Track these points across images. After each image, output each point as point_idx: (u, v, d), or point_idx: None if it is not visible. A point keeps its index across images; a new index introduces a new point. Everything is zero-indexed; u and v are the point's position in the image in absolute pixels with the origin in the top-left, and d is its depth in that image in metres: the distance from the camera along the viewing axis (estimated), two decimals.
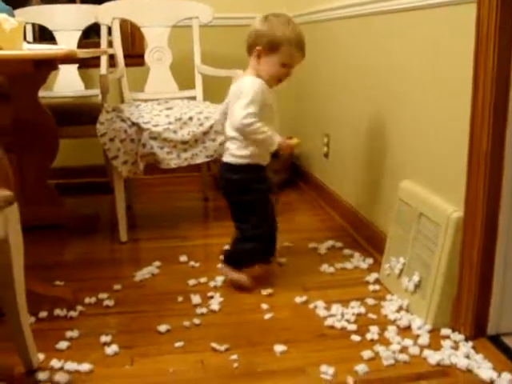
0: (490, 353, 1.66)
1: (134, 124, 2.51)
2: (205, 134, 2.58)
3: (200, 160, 2.61)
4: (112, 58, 3.07)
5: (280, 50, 1.97)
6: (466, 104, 1.67)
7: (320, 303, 1.97)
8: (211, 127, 2.58)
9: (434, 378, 1.56)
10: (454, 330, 1.77)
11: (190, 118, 2.58)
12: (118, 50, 3.00)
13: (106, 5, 2.99)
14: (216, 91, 2.98)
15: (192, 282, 2.16)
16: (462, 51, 1.70)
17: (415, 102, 2.05)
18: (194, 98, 3.04)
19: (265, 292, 2.08)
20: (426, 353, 1.66)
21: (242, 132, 1.99)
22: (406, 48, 2.11)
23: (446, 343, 1.70)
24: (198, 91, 3.07)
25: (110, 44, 3.08)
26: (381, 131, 2.36)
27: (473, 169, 1.67)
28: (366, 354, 1.65)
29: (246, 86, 1.99)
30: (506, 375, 1.53)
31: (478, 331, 1.75)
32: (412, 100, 2.07)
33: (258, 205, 2.10)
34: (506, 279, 1.73)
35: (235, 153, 2.05)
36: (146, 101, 2.93)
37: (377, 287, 2.09)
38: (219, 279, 2.18)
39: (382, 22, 2.31)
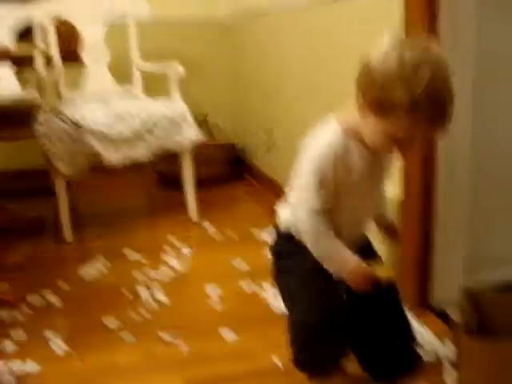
0: (432, 323, 1.71)
1: (73, 123, 2.48)
2: (145, 129, 2.57)
3: (141, 155, 2.60)
4: (48, 59, 3.02)
5: (392, 115, 1.09)
6: None
7: (268, 287, 2.00)
8: (151, 122, 2.58)
9: None
10: None
11: (130, 114, 2.57)
12: (54, 50, 2.96)
13: (39, 4, 2.95)
14: (155, 86, 3.00)
15: (138, 275, 2.16)
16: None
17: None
18: (133, 95, 3.02)
19: (212, 280, 2.09)
20: None
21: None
22: (346, 40, 2.14)
23: None
24: (137, 87, 3.05)
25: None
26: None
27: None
28: None
29: (312, 148, 1.23)
30: (448, 343, 1.59)
31: (421, 303, 1.80)
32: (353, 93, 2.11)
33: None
34: (444, 257, 1.79)
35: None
36: (84, 99, 2.89)
37: None
38: (165, 271, 2.19)
39: (320, 15, 2.35)
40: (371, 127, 1.14)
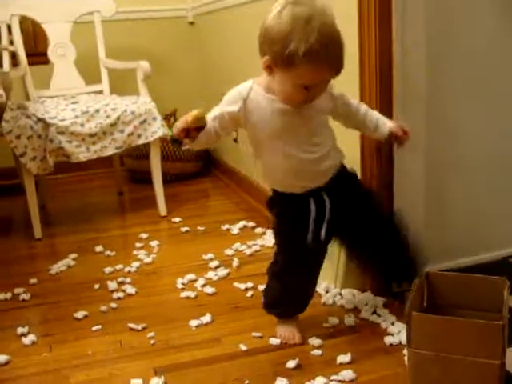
0: (394, 308, 1.77)
1: (39, 120, 2.50)
2: (112, 125, 2.60)
3: (110, 152, 2.63)
4: (14, 57, 3.03)
5: (295, 67, 1.30)
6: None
7: (236, 278, 2.06)
8: (118, 119, 2.60)
9: (346, 335, 1.66)
10: (361, 291, 1.87)
11: (97, 111, 2.59)
12: (20, 48, 2.97)
13: (3, 1, 2.95)
14: (122, 84, 3.03)
15: (108, 269, 2.19)
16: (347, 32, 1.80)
17: None
18: (101, 92, 3.04)
19: (181, 273, 2.13)
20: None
21: None
22: None
23: (354, 300, 1.82)
24: (105, 85, 3.07)
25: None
26: None
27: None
28: None
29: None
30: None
31: (383, 289, 1.85)
32: None
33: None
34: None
35: None
36: (52, 97, 2.91)
37: None
38: (135, 264, 2.22)
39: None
40: (280, 81, 1.36)
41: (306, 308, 1.69)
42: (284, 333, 1.66)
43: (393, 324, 1.68)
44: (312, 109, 1.44)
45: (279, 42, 1.29)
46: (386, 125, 1.61)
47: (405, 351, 1.48)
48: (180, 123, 1.41)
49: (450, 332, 1.20)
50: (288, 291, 1.63)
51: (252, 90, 1.45)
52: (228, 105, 1.47)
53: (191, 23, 3.74)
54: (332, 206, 1.52)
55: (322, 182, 1.54)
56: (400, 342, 1.57)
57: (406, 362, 1.37)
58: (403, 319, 1.58)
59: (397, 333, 1.62)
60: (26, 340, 1.72)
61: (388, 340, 1.59)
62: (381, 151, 1.75)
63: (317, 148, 1.50)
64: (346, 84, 1.61)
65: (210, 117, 1.47)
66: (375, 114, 1.62)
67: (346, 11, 1.77)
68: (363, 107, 1.61)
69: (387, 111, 1.70)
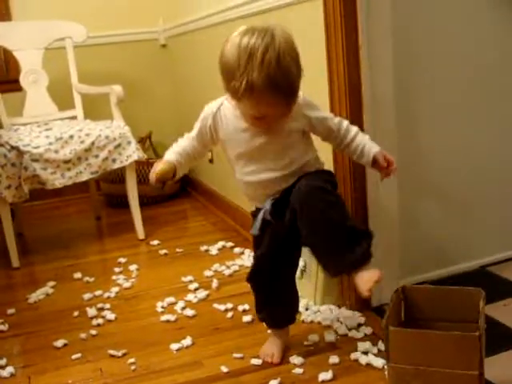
0: (374, 321, 1.78)
1: (13, 148, 2.48)
2: (87, 151, 2.59)
3: (85, 177, 2.62)
4: None
5: (240, 100, 1.34)
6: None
7: (216, 299, 2.06)
8: (93, 144, 2.60)
9: (326, 352, 1.66)
10: (340, 307, 1.88)
11: (71, 137, 2.59)
12: None
13: None
14: (96, 109, 3.02)
15: (87, 296, 2.17)
16: (315, 40, 1.83)
17: None
18: (74, 118, 3.04)
19: (160, 296, 2.12)
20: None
21: None
22: None
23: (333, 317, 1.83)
24: (78, 110, 3.06)
25: None
26: None
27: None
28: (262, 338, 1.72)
29: None
30: None
31: (363, 305, 1.87)
32: None
33: None
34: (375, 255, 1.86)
35: None
36: (25, 125, 2.90)
37: None
38: (114, 290, 2.21)
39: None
40: (239, 108, 1.39)
41: (290, 320, 1.69)
42: (265, 349, 1.66)
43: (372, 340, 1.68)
44: (278, 128, 1.43)
45: (225, 75, 1.33)
46: (371, 151, 1.51)
47: (385, 366, 1.49)
48: (151, 180, 1.48)
49: (428, 345, 1.21)
50: (259, 295, 1.66)
51: (222, 106, 1.48)
52: (201, 121, 1.52)
53: (163, 46, 3.75)
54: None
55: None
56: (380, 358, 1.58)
57: (387, 377, 1.38)
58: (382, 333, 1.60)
59: (377, 349, 1.63)
60: (4, 372, 1.70)
61: (369, 356, 1.60)
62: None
63: (287, 166, 1.48)
64: (316, 94, 1.63)
65: (190, 135, 1.55)
66: (363, 140, 1.53)
67: (312, 20, 1.81)
68: (352, 133, 1.53)
69: (356, 118, 1.74)
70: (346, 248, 1.40)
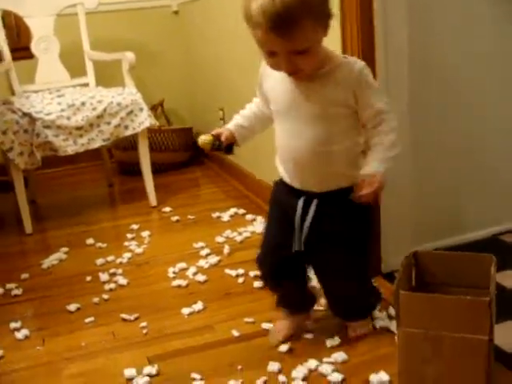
0: (383, 286, 1.77)
1: (25, 114, 2.48)
2: (99, 117, 2.59)
3: (97, 144, 2.62)
4: None
5: (253, 34, 1.28)
6: None
7: (227, 265, 2.07)
8: (105, 110, 2.59)
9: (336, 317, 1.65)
10: None
11: (83, 104, 2.58)
12: (3, 43, 2.95)
13: None
14: (108, 76, 3.01)
15: (100, 261, 2.19)
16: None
17: None
18: (86, 85, 3.03)
19: (172, 262, 2.13)
20: None
21: None
22: None
23: None
24: (90, 77, 3.05)
25: None
26: None
27: None
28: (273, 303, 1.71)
29: None
30: None
31: (373, 271, 1.86)
32: None
33: None
34: (387, 223, 1.86)
35: None
36: (37, 92, 2.89)
37: None
38: (126, 255, 2.22)
39: None
40: None
41: (304, 308, 1.64)
42: (276, 323, 1.64)
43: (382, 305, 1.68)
44: (320, 89, 1.35)
45: (243, 11, 1.27)
46: (365, 169, 1.36)
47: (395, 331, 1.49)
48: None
49: (438, 309, 1.20)
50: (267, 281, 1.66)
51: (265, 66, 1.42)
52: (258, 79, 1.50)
53: (175, 12, 3.72)
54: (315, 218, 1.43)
55: (319, 188, 1.43)
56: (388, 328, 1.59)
57: (397, 341, 1.38)
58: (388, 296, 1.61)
59: (387, 314, 1.64)
60: (19, 334, 1.72)
61: (378, 323, 1.61)
62: None
63: (322, 141, 1.37)
64: None
65: (255, 100, 1.57)
66: (376, 154, 1.37)
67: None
68: (376, 139, 1.37)
69: None
70: (354, 313, 1.59)
